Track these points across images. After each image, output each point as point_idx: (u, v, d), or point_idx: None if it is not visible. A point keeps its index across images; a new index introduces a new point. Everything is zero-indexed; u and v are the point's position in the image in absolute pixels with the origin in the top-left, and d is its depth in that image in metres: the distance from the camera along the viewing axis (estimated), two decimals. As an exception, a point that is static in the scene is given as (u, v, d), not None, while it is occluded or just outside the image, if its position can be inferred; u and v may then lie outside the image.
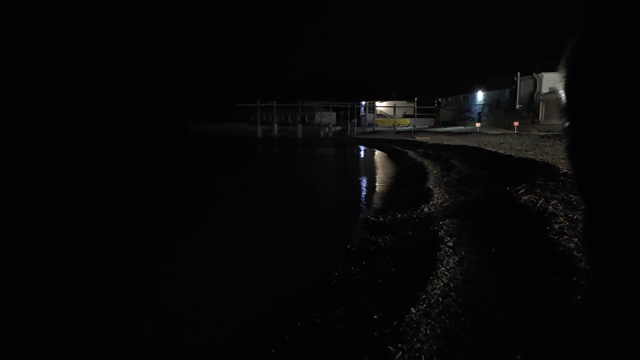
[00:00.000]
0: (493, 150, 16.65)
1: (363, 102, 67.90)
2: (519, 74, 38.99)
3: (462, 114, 52.99)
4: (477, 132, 33.64)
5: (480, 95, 49.57)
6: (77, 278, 6.64)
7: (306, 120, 64.81)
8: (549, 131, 27.09)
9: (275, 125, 58.92)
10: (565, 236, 5.26)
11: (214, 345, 4.64)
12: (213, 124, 66.85)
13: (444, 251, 5.90)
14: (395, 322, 3.85)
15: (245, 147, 39.68)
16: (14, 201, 12.73)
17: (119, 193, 14.65)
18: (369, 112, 67.06)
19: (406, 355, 3.23)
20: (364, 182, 17.26)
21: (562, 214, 6.17)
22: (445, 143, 25.00)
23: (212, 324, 5.08)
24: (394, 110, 59.42)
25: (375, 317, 4.37)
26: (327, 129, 60.84)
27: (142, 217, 10.85)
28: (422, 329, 3.59)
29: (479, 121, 42.26)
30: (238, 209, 12.17)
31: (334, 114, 68.26)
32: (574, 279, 4.07)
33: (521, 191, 7.78)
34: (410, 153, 24.93)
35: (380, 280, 5.77)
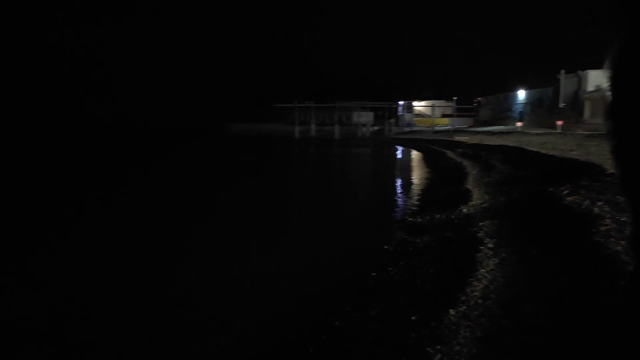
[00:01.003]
0: (535, 150, 16.22)
1: (401, 102, 67.35)
2: (562, 71, 37.85)
3: (503, 113, 51.82)
4: (518, 132, 32.84)
5: (521, 94, 48.36)
6: (122, 270, 6.85)
7: (343, 120, 64.75)
8: (594, 130, 26.19)
9: (313, 126, 59.13)
10: (612, 239, 5.08)
11: (252, 344, 4.71)
12: (249, 124, 67.63)
13: (484, 253, 5.81)
14: (433, 324, 3.81)
15: (283, 147, 40.00)
16: (57, 199, 13.23)
17: (164, 189, 15.01)
18: (407, 112, 66.49)
19: (445, 358, 3.21)
20: (401, 182, 17.14)
21: (609, 216, 5.96)
22: (484, 143, 24.51)
23: (249, 323, 5.15)
24: (432, 110, 58.70)
25: (413, 318, 4.34)
26: (365, 129, 60.66)
27: (190, 211, 11.09)
28: (462, 331, 3.55)
29: (520, 120, 41.21)
30: (275, 207, 12.29)
31: (371, 114, 67.97)
32: (622, 283, 3.94)
33: (565, 192, 7.55)
34: (449, 153, 24.57)
35: (417, 281, 5.72)
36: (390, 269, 6.45)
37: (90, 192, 14.73)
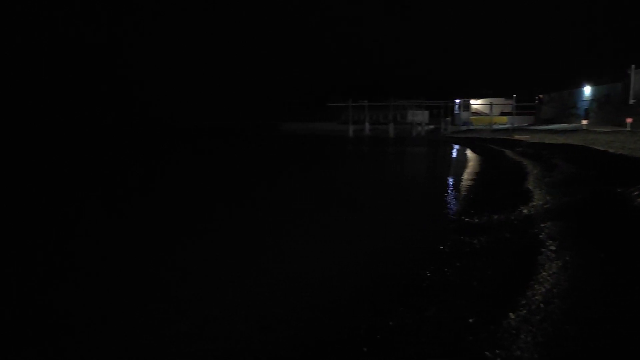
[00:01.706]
0: (602, 149, 15.42)
1: (457, 100, 65.86)
2: (632, 66, 35.74)
3: (566, 111, 49.56)
4: (583, 130, 31.27)
5: (587, 90, 46.09)
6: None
7: (398, 119, 64.02)
8: (667, 128, 24.56)
9: (367, 124, 58.84)
10: (688, 243, 4.75)
11: (308, 340, 4.72)
12: (302, 123, 68.03)
13: (546, 255, 5.57)
14: (492, 327, 3.69)
15: (337, 146, 40.04)
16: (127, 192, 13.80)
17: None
18: (464, 110, 64.93)
19: (504, 362, 3.09)
20: (457, 182, 16.74)
21: (685, 218, 5.57)
22: (546, 141, 23.54)
23: (304, 320, 5.16)
24: (491, 108, 56.98)
25: (470, 320, 4.22)
26: (420, 128, 59.73)
27: (263, 203, 11.30)
28: (522, 336, 3.41)
29: (585, 118, 39.28)
30: (330, 203, 12.28)
31: (426, 113, 66.85)
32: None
33: (635, 193, 7.13)
34: (508, 152, 23.77)
35: (474, 283, 5.56)
36: (445, 269, 6.31)
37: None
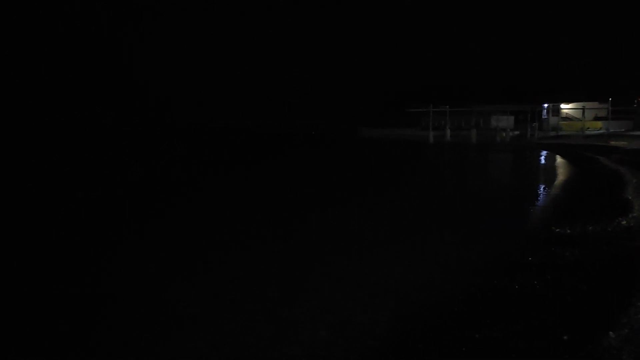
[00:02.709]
0: None
1: (545, 104, 62.56)
2: None
3: (671, 115, 45.61)
4: (690, 136, 28.64)
5: (695, 93, 42.13)
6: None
7: (481, 124, 61.89)
8: None
9: (448, 130, 57.39)
10: None
11: (389, 349, 4.65)
12: (382, 129, 67.59)
13: (650, 271, 5.13)
14: (590, 346, 3.44)
15: (418, 152, 39.45)
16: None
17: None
18: (552, 115, 61.54)
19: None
20: (546, 190, 15.89)
21: None
22: (647, 148, 21.78)
23: (382, 328, 5.09)
24: (583, 112, 53.59)
25: (564, 337, 3.96)
26: (504, 134, 57.28)
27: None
28: (625, 357, 3.15)
29: (693, 123, 35.98)
30: (409, 208, 12.09)
31: (511, 118, 63.99)
32: None
33: None
34: (602, 159, 22.21)
35: (568, 298, 5.23)
36: (535, 282, 5.99)
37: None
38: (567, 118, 61.52)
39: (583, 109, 53.94)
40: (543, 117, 62.63)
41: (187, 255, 8.17)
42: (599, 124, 55.00)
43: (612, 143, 29.74)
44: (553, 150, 34.01)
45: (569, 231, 8.61)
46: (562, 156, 28.70)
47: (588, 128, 51.78)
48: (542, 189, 16.73)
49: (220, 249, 8.43)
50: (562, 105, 62.57)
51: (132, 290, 6.37)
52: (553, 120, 60.78)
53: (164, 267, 7.40)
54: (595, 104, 57.13)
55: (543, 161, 28.72)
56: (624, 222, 8.12)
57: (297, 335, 4.86)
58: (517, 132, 58.41)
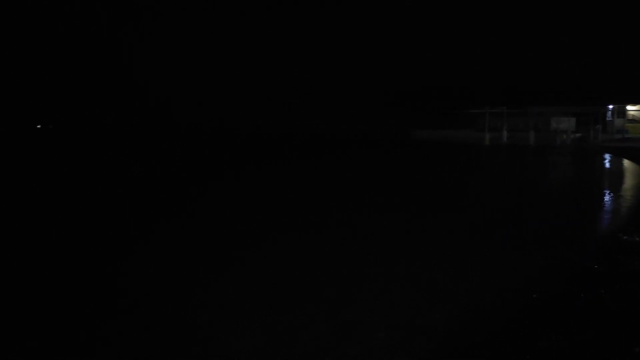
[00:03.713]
0: None
1: (610, 106, 59.63)
2: None
3: None
4: None
5: None
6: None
7: (539, 126, 59.79)
8: None
9: (505, 132, 55.82)
10: None
11: (450, 352, 4.62)
12: (433, 130, 66.53)
13: None
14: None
15: (476, 154, 38.58)
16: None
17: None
18: (618, 117, 58.59)
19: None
20: (611, 195, 15.17)
21: None
22: None
23: (449, 332, 5.05)
24: (652, 114, 50.78)
25: (636, 350, 3.82)
26: (565, 136, 55.14)
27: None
28: None
29: None
30: (466, 211, 11.86)
31: (573, 120, 61.42)
32: None
33: None
34: (675, 164, 20.96)
35: (638, 309, 5.02)
36: (602, 291, 5.78)
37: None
38: (634, 120, 58.44)
39: (652, 110, 51.05)
40: (607, 118, 59.78)
41: (238, 258, 8.33)
42: (669, 126, 51.91)
43: (685, 147, 27.96)
44: (619, 154, 32.39)
45: (637, 239, 8.23)
46: (629, 160, 27.29)
47: (657, 131, 48.94)
48: (606, 194, 16.00)
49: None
50: (629, 107, 59.52)
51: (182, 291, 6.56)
52: (618, 122, 57.90)
53: (216, 271, 7.58)
54: (666, 105, 53.98)
55: (607, 165, 27.42)
56: (700, 231, 7.68)
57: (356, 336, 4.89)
58: (578, 135, 56.07)
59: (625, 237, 8.55)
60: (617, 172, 23.76)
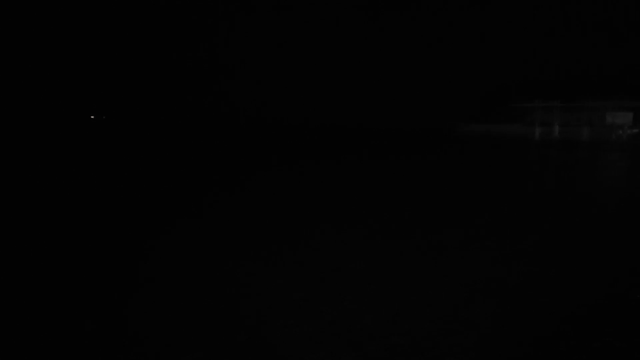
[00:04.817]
0: None
1: (671, 99, 56.60)
2: None
3: None
4: None
5: None
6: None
7: (593, 121, 57.49)
8: None
9: (556, 127, 54.08)
10: None
11: (496, 351, 4.60)
12: (481, 124, 65.14)
13: None
14: None
15: (520, 151, 37.51)
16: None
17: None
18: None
19: None
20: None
21: None
22: None
23: (488, 327, 5.02)
24: None
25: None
26: (621, 131, 52.91)
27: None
28: None
29: None
30: (521, 216, 11.61)
31: (630, 114, 58.84)
32: None
33: None
34: None
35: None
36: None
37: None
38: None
39: None
40: (668, 113, 56.78)
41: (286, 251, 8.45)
42: None
43: None
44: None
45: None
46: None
47: None
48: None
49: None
50: (692, 101, 56.35)
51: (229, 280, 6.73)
52: (680, 117, 54.98)
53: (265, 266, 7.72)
54: None
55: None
56: None
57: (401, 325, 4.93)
58: (635, 130, 53.60)
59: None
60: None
